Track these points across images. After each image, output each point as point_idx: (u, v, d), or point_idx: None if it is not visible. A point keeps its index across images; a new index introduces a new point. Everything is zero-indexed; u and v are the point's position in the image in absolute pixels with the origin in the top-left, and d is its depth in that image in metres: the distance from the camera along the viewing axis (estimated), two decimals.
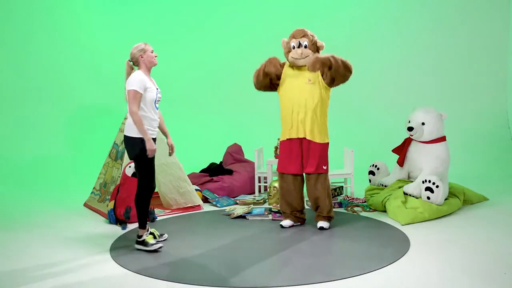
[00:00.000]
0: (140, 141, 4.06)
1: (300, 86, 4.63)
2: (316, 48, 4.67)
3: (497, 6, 8.19)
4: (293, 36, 4.69)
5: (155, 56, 4.21)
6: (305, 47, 4.61)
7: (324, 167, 4.69)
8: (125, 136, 4.16)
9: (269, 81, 4.77)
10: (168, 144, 4.49)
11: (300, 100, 4.62)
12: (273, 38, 8.63)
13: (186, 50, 8.61)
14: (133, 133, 4.08)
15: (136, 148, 4.08)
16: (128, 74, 4.16)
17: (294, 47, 4.64)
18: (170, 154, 4.51)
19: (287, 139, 4.73)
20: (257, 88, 4.89)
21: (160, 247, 4.17)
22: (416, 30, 8.40)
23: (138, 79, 4.06)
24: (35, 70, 8.00)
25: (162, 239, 4.43)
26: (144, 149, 4.06)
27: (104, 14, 8.51)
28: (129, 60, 4.18)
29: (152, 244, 4.16)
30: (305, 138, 4.64)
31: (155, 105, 4.18)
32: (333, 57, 4.52)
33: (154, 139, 4.21)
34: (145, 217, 4.24)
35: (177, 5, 8.81)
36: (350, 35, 8.46)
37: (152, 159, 4.19)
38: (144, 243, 4.19)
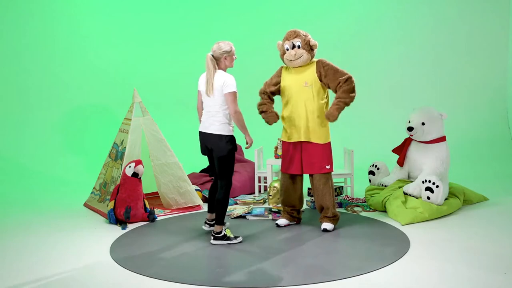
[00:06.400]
0: (229, 140, 4.28)
1: (298, 90, 4.65)
2: (309, 47, 4.60)
3: (497, 6, 8.19)
4: (286, 38, 4.65)
5: (235, 59, 4.40)
6: (298, 47, 4.58)
7: (327, 167, 4.68)
8: (214, 135, 4.28)
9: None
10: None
11: (298, 104, 4.65)
12: (274, 39, 8.65)
13: (187, 50, 8.59)
14: (224, 131, 4.26)
15: (226, 147, 4.26)
16: (210, 69, 4.25)
17: (288, 49, 4.62)
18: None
19: (287, 141, 4.78)
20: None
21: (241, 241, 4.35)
22: (416, 30, 8.40)
23: (234, 81, 4.25)
24: (34, 70, 7.98)
25: (236, 242, 4.41)
26: (233, 149, 4.30)
27: (102, 12, 8.49)
28: (211, 54, 4.27)
29: (236, 237, 4.35)
30: (304, 141, 4.67)
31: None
32: (341, 102, 4.54)
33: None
34: (225, 214, 4.38)
35: (177, 5, 8.80)
36: (350, 35, 8.46)
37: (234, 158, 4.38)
38: (226, 237, 4.32)
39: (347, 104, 4.57)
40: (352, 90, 4.56)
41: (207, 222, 4.70)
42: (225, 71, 4.34)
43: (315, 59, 4.71)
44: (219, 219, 4.32)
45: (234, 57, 4.36)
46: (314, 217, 5.05)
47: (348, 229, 4.71)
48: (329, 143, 4.73)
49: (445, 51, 8.32)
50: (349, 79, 4.54)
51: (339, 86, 4.55)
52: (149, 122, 5.57)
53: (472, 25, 8.25)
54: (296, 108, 4.66)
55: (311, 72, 4.61)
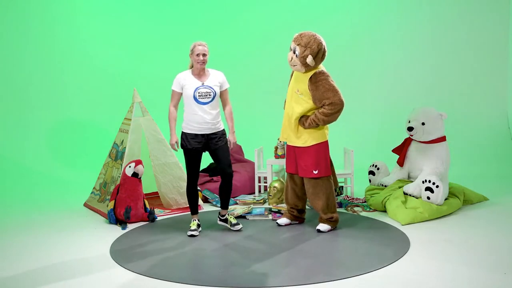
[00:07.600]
0: (181, 137, 4.50)
1: (291, 94, 4.65)
2: (304, 61, 4.39)
3: (497, 6, 8.19)
4: (293, 38, 4.50)
5: (199, 61, 4.39)
6: (296, 56, 4.41)
7: (315, 172, 4.57)
8: None
9: None
10: (227, 138, 4.64)
11: (288, 107, 4.68)
12: (274, 39, 8.67)
13: (187, 50, 8.59)
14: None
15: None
16: None
17: (290, 49, 4.52)
18: (230, 148, 4.64)
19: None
20: None
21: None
22: (416, 30, 8.40)
23: (176, 78, 4.48)
24: (34, 70, 7.99)
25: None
26: (182, 145, 4.49)
27: (101, 12, 8.49)
28: None
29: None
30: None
31: (195, 101, 4.39)
32: (314, 122, 4.47)
33: (202, 135, 4.45)
34: (193, 206, 4.66)
35: (178, 5, 8.80)
36: (350, 35, 8.46)
37: (192, 156, 4.48)
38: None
39: (322, 125, 4.53)
40: (331, 114, 4.41)
41: (219, 217, 4.84)
42: (198, 68, 4.46)
43: (316, 70, 4.50)
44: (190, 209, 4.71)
45: (195, 57, 4.41)
46: (314, 217, 5.05)
47: (348, 229, 4.71)
48: (319, 146, 4.59)
49: (445, 51, 8.31)
50: (332, 104, 4.39)
51: (322, 106, 4.47)
52: (149, 122, 5.57)
53: (472, 25, 8.25)
54: (287, 110, 4.70)
55: (304, 82, 4.51)
